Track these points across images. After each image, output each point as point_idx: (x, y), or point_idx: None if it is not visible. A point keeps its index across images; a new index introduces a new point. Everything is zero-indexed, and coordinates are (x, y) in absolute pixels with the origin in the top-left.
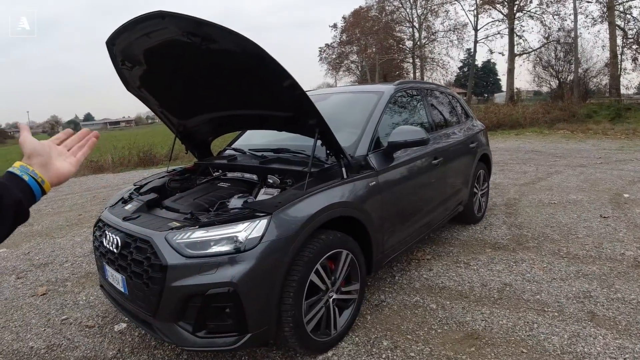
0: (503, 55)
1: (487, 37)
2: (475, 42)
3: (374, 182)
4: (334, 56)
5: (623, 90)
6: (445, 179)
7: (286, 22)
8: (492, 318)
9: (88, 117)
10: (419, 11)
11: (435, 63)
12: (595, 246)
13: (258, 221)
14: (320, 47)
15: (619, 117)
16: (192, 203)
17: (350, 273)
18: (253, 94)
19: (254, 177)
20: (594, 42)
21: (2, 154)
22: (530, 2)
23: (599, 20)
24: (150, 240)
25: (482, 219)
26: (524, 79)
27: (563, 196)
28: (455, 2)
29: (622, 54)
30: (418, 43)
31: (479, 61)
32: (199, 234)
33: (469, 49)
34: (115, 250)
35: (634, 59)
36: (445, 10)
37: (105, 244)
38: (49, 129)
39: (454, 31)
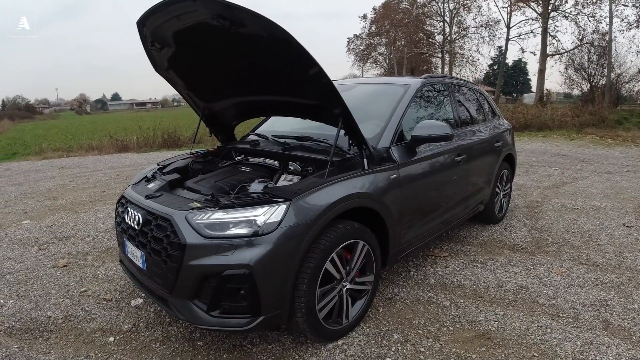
0: (535, 55)
1: (519, 36)
2: (507, 39)
3: (395, 175)
4: (362, 47)
5: None
6: (468, 176)
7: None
8: (505, 319)
9: (115, 97)
10: (450, 5)
11: (464, 59)
12: (616, 255)
13: (277, 206)
14: (348, 38)
15: None
16: (213, 185)
17: (366, 264)
18: (279, 80)
19: (276, 163)
20: (629, 47)
21: (29, 129)
22: (566, 1)
23: (635, 24)
24: (171, 219)
25: (503, 220)
26: (555, 80)
27: (587, 202)
28: None
29: None
30: (448, 38)
31: (510, 60)
32: (219, 216)
33: (500, 47)
34: (136, 226)
35: None
36: (478, 6)
37: (127, 220)
38: (77, 106)
39: (485, 27)
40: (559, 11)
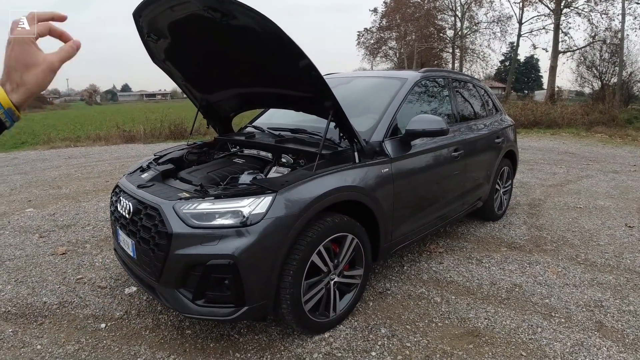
0: (547, 51)
1: (531, 32)
2: (519, 35)
3: (387, 169)
4: (372, 41)
5: None
6: (465, 172)
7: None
8: (495, 317)
9: (125, 88)
10: (462, 0)
11: (475, 54)
12: (615, 255)
13: (263, 198)
14: (358, 31)
15: None
16: (205, 176)
17: (355, 258)
18: (271, 72)
19: (269, 155)
20: None
21: (39, 119)
22: None
23: None
24: (159, 208)
25: (503, 217)
26: (567, 77)
27: (590, 201)
28: None
29: None
30: (459, 33)
31: (522, 56)
32: (205, 206)
33: (512, 43)
34: (127, 215)
35: None
36: (490, 1)
37: (119, 209)
38: (87, 97)
39: (497, 23)
40: (572, 8)
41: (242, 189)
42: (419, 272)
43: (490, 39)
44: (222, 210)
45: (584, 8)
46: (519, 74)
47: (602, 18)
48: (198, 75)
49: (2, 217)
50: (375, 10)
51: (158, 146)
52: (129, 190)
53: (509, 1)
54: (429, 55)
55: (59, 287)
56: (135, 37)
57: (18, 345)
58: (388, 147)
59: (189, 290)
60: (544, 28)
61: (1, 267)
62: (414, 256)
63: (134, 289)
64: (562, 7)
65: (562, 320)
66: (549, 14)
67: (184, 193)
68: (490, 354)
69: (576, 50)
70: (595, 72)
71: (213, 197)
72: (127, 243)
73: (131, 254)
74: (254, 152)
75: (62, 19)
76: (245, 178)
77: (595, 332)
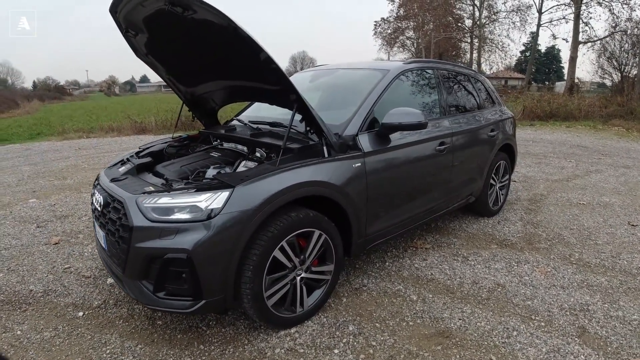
0: (567, 42)
1: (550, 21)
2: (539, 25)
3: (359, 164)
4: (389, 31)
5: None
6: (452, 167)
7: None
8: (471, 318)
9: (144, 79)
10: None
11: (494, 44)
12: (612, 256)
13: (220, 193)
14: (375, 21)
15: None
16: (178, 170)
17: (325, 253)
18: (239, 66)
19: (245, 149)
20: None
21: (57, 110)
22: None
23: None
24: (124, 202)
25: (499, 213)
26: (587, 69)
27: (595, 197)
28: None
29: None
30: (478, 22)
31: (542, 46)
32: (165, 200)
33: (532, 32)
34: (99, 208)
35: None
36: None
37: (94, 201)
38: (106, 88)
39: (516, 12)
40: None
41: (202, 184)
42: (400, 268)
43: (509, 28)
44: (181, 205)
45: None
46: (540, 65)
47: (623, 8)
48: (179, 68)
49: (5, 208)
50: (392, 0)
51: (168, 137)
52: (103, 184)
53: None
54: (447, 45)
55: (47, 275)
56: None
57: (0, 331)
58: (362, 141)
59: (150, 282)
60: (564, 18)
61: None
62: (398, 252)
63: None
64: None
65: (542, 324)
66: (569, 3)
67: (150, 187)
68: (457, 356)
69: (597, 40)
70: (615, 63)
71: (173, 192)
72: (100, 235)
73: (103, 245)
74: (232, 145)
75: None
76: (211, 172)
77: (576, 338)
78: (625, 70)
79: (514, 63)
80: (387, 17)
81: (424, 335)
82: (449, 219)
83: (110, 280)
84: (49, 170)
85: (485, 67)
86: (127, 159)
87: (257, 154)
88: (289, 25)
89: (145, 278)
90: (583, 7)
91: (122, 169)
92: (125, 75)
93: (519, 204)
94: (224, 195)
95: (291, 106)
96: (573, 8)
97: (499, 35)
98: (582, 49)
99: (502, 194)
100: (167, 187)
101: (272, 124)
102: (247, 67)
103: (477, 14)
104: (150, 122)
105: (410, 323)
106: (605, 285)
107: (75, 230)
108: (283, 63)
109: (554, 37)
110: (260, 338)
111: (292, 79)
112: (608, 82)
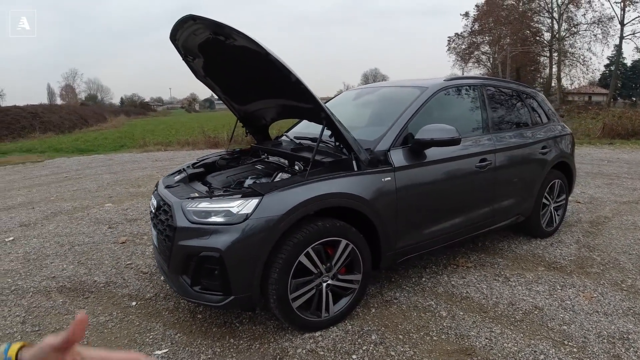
0: None
1: (633, 33)
2: (621, 37)
3: (389, 178)
4: (463, 46)
5: None
6: (494, 184)
7: (416, 8)
8: (498, 338)
9: None
10: (559, 0)
11: (575, 58)
12: None
13: (250, 200)
14: (449, 37)
15: None
16: (223, 180)
17: (353, 263)
18: (277, 86)
19: (286, 162)
20: None
21: (141, 125)
22: None
23: None
24: (171, 205)
25: (554, 235)
26: None
27: None
28: None
29: None
30: (557, 35)
31: (628, 60)
32: (204, 205)
33: (616, 45)
34: (154, 210)
35: None
36: (588, 1)
37: (151, 205)
38: (187, 105)
39: (598, 24)
40: None
41: (236, 191)
42: (436, 284)
43: (591, 41)
44: (217, 209)
45: None
46: (626, 79)
47: None
48: (232, 88)
49: (84, 210)
50: (466, 15)
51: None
52: (159, 189)
53: (609, 1)
54: (524, 59)
55: (111, 269)
56: None
57: (63, 312)
58: (394, 156)
59: (188, 277)
60: None
61: (71, 250)
62: (437, 268)
63: None
64: None
65: (574, 349)
66: None
67: (195, 193)
68: None
69: None
70: None
71: (212, 198)
72: (154, 234)
73: (156, 243)
74: (276, 159)
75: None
76: (248, 182)
77: None
78: None
79: (597, 78)
80: (462, 32)
81: (446, 351)
82: (497, 239)
83: (163, 277)
84: (126, 178)
85: (566, 82)
86: (184, 169)
87: (296, 167)
88: (361, 43)
89: (185, 273)
90: None
91: (177, 177)
92: (205, 93)
93: (579, 225)
94: (253, 202)
95: (322, 123)
96: None
97: (579, 48)
98: None
99: (558, 215)
100: (209, 194)
101: (313, 140)
102: (283, 88)
103: (555, 26)
104: (222, 136)
105: (435, 338)
106: None
107: (141, 232)
108: (355, 81)
109: (638, 49)
110: (286, 338)
111: (339, 97)
112: None
